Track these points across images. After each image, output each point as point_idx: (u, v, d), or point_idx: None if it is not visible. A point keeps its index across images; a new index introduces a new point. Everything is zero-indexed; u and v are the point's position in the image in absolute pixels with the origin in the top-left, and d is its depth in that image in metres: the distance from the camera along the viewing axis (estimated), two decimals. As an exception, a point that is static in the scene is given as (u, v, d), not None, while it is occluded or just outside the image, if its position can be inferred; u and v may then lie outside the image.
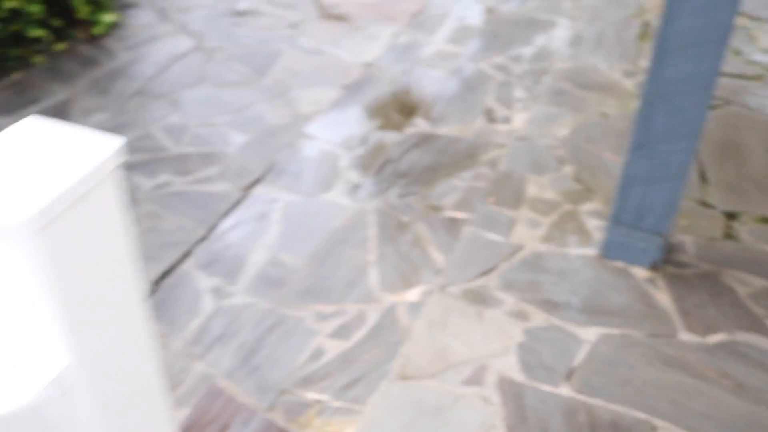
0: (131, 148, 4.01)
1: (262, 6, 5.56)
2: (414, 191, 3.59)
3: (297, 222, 3.47)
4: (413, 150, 3.91)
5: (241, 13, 5.44)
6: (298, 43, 5.04)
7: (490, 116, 4.18)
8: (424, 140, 3.99)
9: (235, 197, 3.65)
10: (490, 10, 5.47)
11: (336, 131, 4.11)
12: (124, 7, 5.44)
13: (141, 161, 3.91)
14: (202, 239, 3.41)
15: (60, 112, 4.34)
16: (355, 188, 3.64)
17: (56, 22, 4.90)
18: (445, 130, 4.08)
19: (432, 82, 4.54)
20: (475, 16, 5.38)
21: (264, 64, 4.79)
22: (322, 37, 5.13)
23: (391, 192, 3.60)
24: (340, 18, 5.40)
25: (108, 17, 5.10)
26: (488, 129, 4.06)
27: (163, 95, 4.47)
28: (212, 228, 3.47)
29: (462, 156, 3.84)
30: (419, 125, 4.12)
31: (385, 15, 5.42)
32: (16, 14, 4.61)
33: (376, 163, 3.83)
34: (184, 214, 3.56)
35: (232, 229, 3.45)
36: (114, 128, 4.18)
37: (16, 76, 4.67)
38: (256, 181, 3.75)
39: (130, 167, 3.85)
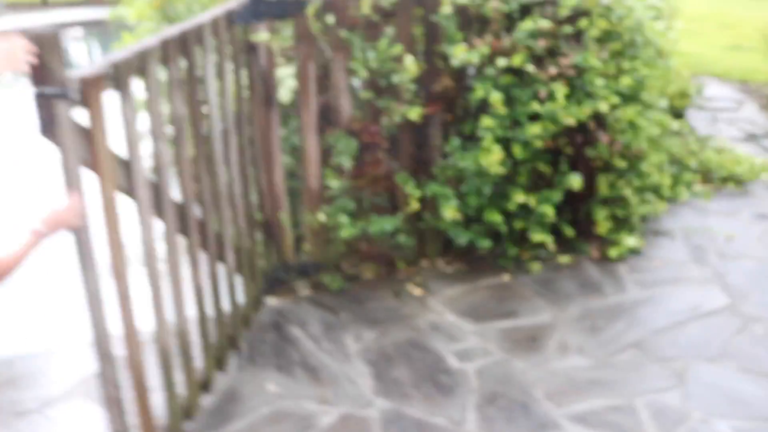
0: (596, 420, 3.05)
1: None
2: None
3: None
4: None
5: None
6: None
7: None
8: None
9: None
10: None
11: None
12: (651, 233, 4.63)
13: (607, 446, 2.91)
14: None
15: (533, 336, 3.63)
16: None
17: (566, 231, 4.30)
18: None
19: None
20: None
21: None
22: None
23: None
24: None
25: (630, 240, 4.34)
26: None
27: (667, 361, 3.46)
28: None
29: None
30: None
31: None
32: (524, 210, 4.12)
33: None
34: None
35: None
36: (588, 381, 3.29)
37: (503, 278, 4.14)
38: None
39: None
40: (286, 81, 4.06)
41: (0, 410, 3.32)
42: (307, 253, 4.12)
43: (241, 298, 3.64)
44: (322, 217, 3.98)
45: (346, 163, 3.95)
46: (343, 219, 3.92)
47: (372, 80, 3.97)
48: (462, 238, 4.11)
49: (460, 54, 3.91)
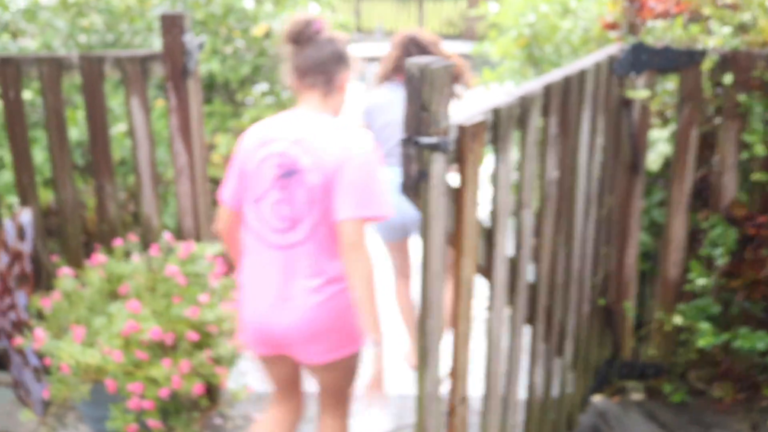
0: None
1: None
2: None
3: None
4: None
5: None
6: None
7: None
8: None
9: None
10: None
11: None
12: None
13: None
14: None
15: None
16: None
17: None
18: None
19: None
20: None
21: None
22: None
23: None
24: None
25: None
26: None
27: None
28: None
29: None
30: None
31: None
32: None
33: None
34: None
35: None
36: None
37: None
38: None
39: None
40: (658, 145, 3.33)
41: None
42: (648, 352, 3.33)
43: (569, 395, 2.97)
44: (677, 319, 3.17)
45: (720, 256, 3.11)
46: (704, 325, 3.09)
47: (769, 159, 3.11)
48: None
49: None
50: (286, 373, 2.44)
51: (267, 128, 2.28)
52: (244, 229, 2.32)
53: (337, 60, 2.27)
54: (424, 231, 1.70)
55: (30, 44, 4.97)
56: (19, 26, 5.19)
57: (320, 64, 2.25)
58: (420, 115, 1.61)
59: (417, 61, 1.61)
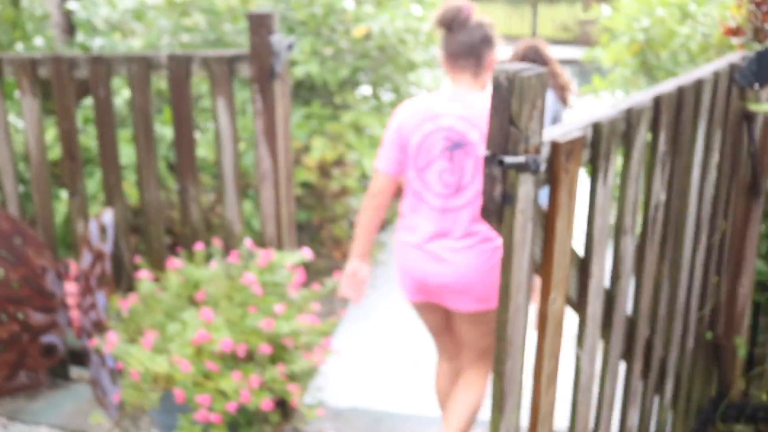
0: None
1: None
2: None
3: None
4: None
5: None
6: None
7: None
8: None
9: None
10: None
11: None
12: None
13: None
14: None
15: None
16: None
17: None
18: None
19: None
20: None
21: None
22: None
23: None
24: None
25: None
26: None
27: None
28: None
29: None
30: None
31: None
32: None
33: None
34: None
35: None
36: None
37: None
38: None
39: None
40: (782, 165, 2.97)
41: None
42: (760, 394, 2.99)
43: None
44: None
45: None
46: (829, 368, 2.73)
47: None
48: None
49: None
50: (436, 320, 2.70)
51: (428, 105, 2.47)
52: (406, 191, 2.54)
53: (486, 42, 2.47)
54: (506, 261, 1.48)
55: (137, 43, 5.01)
56: (128, 25, 5.24)
57: (471, 48, 2.45)
58: (507, 130, 1.39)
59: (505, 67, 1.39)
